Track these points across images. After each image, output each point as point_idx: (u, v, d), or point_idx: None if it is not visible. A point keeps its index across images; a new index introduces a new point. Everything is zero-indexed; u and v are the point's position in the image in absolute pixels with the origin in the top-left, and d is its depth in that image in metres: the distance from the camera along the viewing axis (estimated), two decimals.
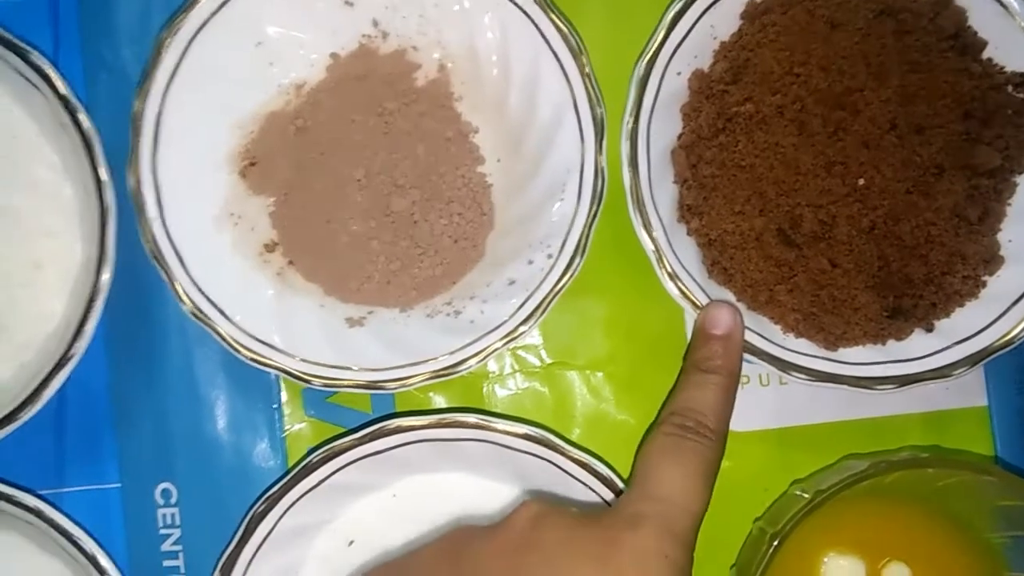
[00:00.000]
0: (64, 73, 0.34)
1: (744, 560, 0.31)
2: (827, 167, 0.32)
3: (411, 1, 0.34)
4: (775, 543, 0.29)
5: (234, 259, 0.33)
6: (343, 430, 0.34)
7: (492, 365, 0.35)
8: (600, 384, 0.35)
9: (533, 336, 0.35)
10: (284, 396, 0.35)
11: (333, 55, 0.35)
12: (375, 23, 0.34)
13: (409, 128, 0.35)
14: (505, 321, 0.31)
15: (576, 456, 0.31)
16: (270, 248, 0.34)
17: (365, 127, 0.35)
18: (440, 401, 0.35)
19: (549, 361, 0.35)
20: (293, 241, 0.34)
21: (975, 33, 0.33)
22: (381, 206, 0.34)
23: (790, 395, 0.35)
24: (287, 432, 0.35)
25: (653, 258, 0.32)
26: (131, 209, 0.32)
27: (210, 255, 0.32)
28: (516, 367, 0.35)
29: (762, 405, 0.35)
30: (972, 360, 0.31)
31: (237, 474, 0.34)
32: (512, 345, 0.31)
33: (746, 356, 0.31)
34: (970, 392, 0.35)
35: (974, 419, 0.35)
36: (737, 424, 0.35)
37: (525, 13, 0.32)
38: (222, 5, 0.32)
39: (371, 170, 0.34)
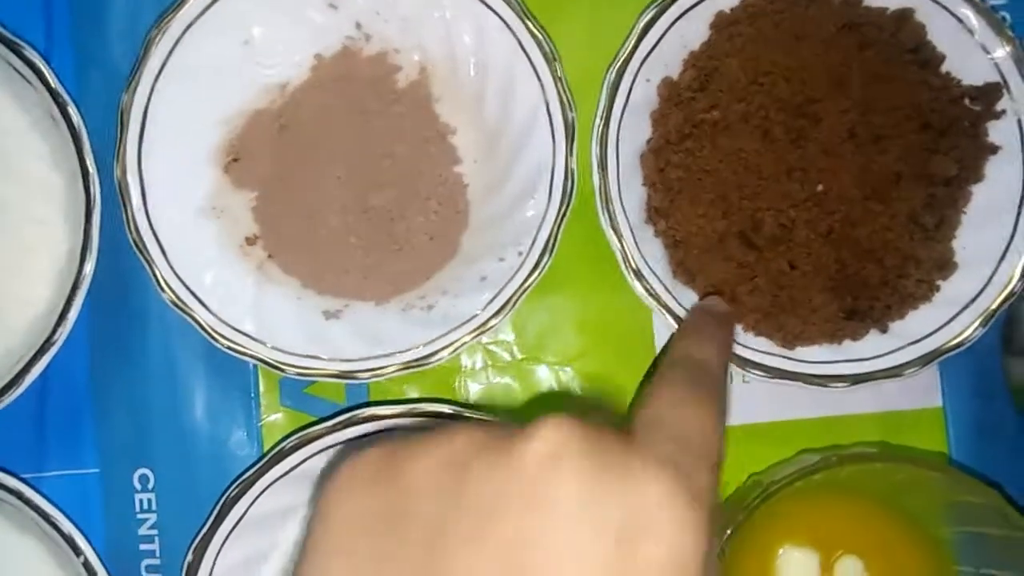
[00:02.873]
0: (56, 67, 0.35)
1: None
2: (788, 173, 0.33)
3: (393, 5, 0.35)
4: (728, 532, 0.30)
5: (216, 251, 0.34)
6: (317, 419, 0.35)
7: (464, 360, 0.36)
8: (570, 379, 0.36)
9: (505, 332, 0.36)
10: (261, 386, 0.36)
11: (317, 56, 0.36)
12: (358, 26, 0.36)
13: (389, 128, 0.36)
14: (475, 315, 0.32)
15: None
16: (251, 241, 0.35)
17: (346, 126, 0.36)
18: (413, 394, 0.36)
19: (520, 356, 0.36)
20: (273, 235, 0.35)
21: (934, 47, 0.34)
22: (360, 203, 0.35)
23: (752, 393, 0.36)
24: (263, 421, 0.36)
25: (620, 257, 0.33)
26: (117, 201, 0.33)
27: (192, 246, 0.33)
28: (488, 362, 0.36)
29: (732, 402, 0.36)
30: (923, 360, 0.33)
31: (213, 461, 0.35)
32: (482, 339, 0.32)
33: None
34: (925, 393, 0.36)
35: (929, 420, 0.36)
36: None
37: (502, 19, 0.33)
38: (210, 4, 0.33)
39: (351, 168, 0.36)
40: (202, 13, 0.33)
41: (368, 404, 0.34)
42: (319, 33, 0.35)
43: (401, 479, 0.19)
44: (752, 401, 0.36)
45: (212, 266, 0.34)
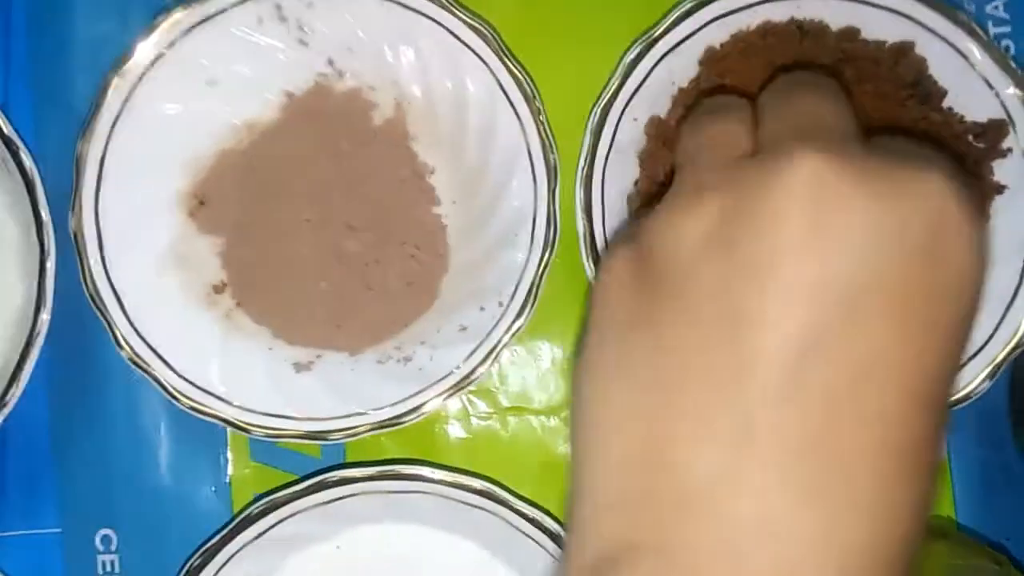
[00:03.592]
0: (13, 105, 0.34)
1: None
2: None
3: (367, 41, 0.33)
4: None
5: (180, 302, 0.32)
6: (290, 476, 0.33)
7: (452, 405, 0.35)
8: (556, 429, 0.35)
9: (487, 380, 0.34)
10: (230, 440, 0.34)
11: (287, 93, 0.34)
12: (330, 62, 0.34)
13: (363, 168, 0.34)
14: (453, 371, 0.31)
15: (524, 512, 0.30)
16: (218, 289, 0.33)
17: (318, 167, 0.34)
18: (391, 445, 0.34)
19: (505, 405, 0.35)
20: (242, 282, 0.34)
21: (935, 82, 0.33)
22: (333, 247, 0.34)
23: None
24: (232, 477, 0.34)
25: None
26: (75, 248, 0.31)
27: (154, 298, 0.32)
28: (470, 411, 0.35)
29: None
30: None
31: (179, 520, 0.33)
32: (461, 393, 0.31)
33: None
34: None
35: None
36: None
37: (479, 57, 0.32)
38: (172, 43, 0.32)
39: (323, 211, 0.34)
40: (163, 53, 0.31)
41: (340, 466, 0.32)
42: (289, 70, 0.34)
43: (663, 268, 0.19)
44: None
45: (176, 318, 0.32)
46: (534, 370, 0.35)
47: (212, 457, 0.34)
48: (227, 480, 0.34)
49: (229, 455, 0.34)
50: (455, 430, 0.34)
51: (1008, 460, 0.34)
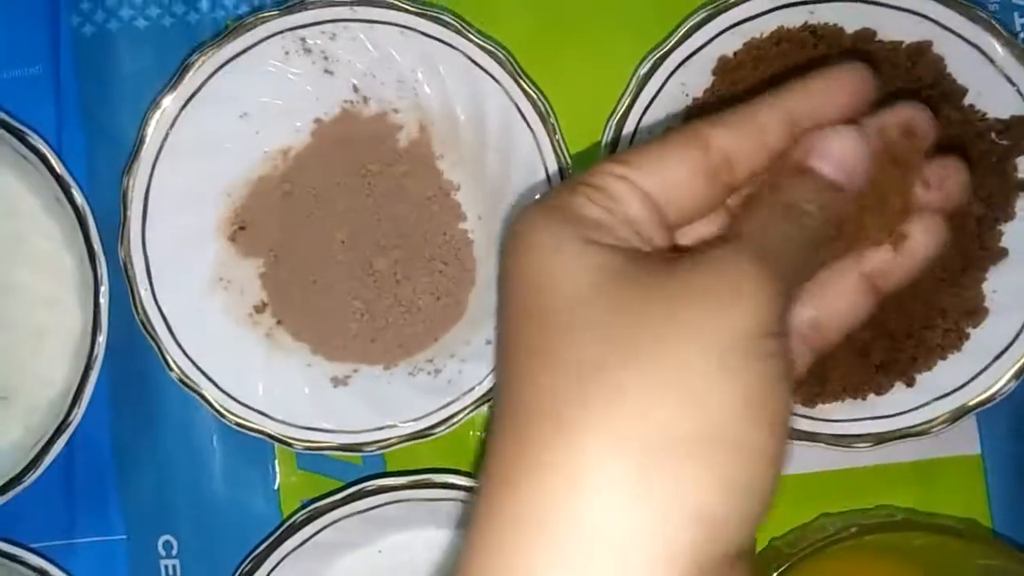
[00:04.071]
0: (66, 143, 0.36)
1: None
2: None
3: (388, 67, 0.34)
4: None
5: (224, 323, 0.34)
6: (334, 482, 0.35)
7: (484, 415, 0.36)
8: None
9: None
10: (277, 451, 0.36)
11: (317, 120, 0.36)
12: (355, 88, 0.35)
13: (391, 188, 0.36)
14: (479, 383, 0.32)
15: None
16: (259, 309, 0.35)
17: (349, 189, 0.36)
18: (428, 454, 0.36)
19: None
20: (281, 301, 0.36)
21: (954, 80, 0.32)
22: (364, 266, 0.35)
23: None
24: (280, 485, 0.36)
25: None
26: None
27: (200, 321, 0.34)
28: (483, 423, 0.36)
29: None
30: (952, 416, 0.31)
31: (233, 526, 0.36)
32: (487, 406, 0.32)
33: None
34: (962, 440, 0.34)
35: (966, 468, 0.34)
36: None
37: (495, 79, 0.33)
38: (207, 80, 0.33)
39: (354, 231, 0.35)
40: (198, 90, 0.33)
41: (380, 475, 0.33)
42: (317, 98, 0.35)
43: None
44: None
45: (220, 339, 0.34)
46: None
47: (262, 467, 0.36)
48: (276, 487, 0.36)
49: (277, 464, 0.36)
50: (477, 440, 0.36)
51: None
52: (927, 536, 0.29)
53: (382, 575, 0.34)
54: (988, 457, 0.34)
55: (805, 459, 0.34)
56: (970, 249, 0.32)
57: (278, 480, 0.36)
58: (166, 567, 0.36)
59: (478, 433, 0.36)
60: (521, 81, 0.32)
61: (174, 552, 0.36)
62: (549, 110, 0.32)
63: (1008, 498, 0.34)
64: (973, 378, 0.31)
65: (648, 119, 0.32)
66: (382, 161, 0.36)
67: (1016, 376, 0.31)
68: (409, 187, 0.36)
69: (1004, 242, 0.32)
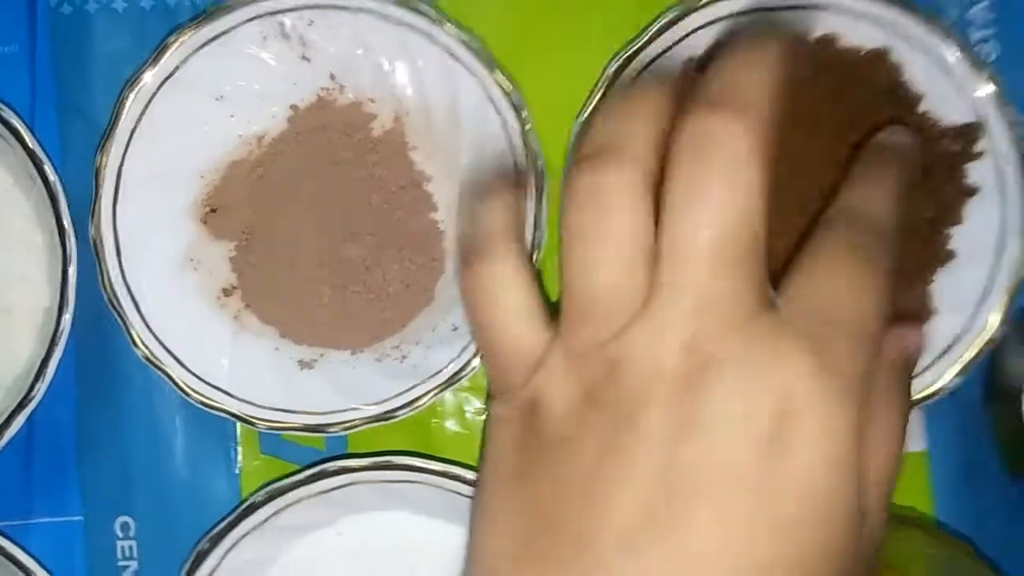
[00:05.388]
0: (40, 120, 0.36)
1: None
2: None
3: (366, 57, 0.35)
4: None
5: (192, 304, 0.35)
6: (297, 467, 0.35)
7: (448, 403, 0.36)
8: None
9: (481, 376, 0.36)
10: (240, 435, 0.36)
11: (293, 107, 0.36)
12: (332, 77, 0.36)
13: (364, 177, 0.36)
14: (444, 368, 0.33)
15: None
16: (228, 292, 0.36)
17: (322, 176, 0.36)
18: (392, 440, 0.36)
19: (486, 402, 0.36)
20: (250, 284, 0.36)
21: (910, 87, 0.34)
22: (334, 253, 0.36)
23: None
24: (242, 469, 0.36)
25: None
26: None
27: (168, 301, 0.34)
28: (465, 408, 0.36)
29: None
30: None
31: (193, 509, 0.35)
32: (451, 390, 0.32)
33: None
34: (909, 437, 0.35)
35: (911, 463, 0.35)
36: None
37: (470, 71, 0.33)
38: (184, 61, 0.34)
39: (326, 218, 0.36)
40: (174, 71, 0.34)
41: (341, 456, 0.34)
42: (294, 84, 0.36)
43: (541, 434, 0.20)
44: None
45: (188, 319, 0.34)
46: None
47: (224, 451, 0.36)
48: (238, 472, 0.36)
49: (240, 448, 0.36)
50: (451, 425, 0.36)
51: (987, 453, 0.35)
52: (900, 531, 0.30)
53: (342, 557, 0.34)
54: (933, 453, 0.35)
55: None
56: (920, 251, 0.33)
57: (240, 464, 0.36)
58: (122, 548, 0.36)
59: (441, 423, 0.36)
60: (495, 72, 0.33)
61: (131, 534, 0.36)
62: (522, 102, 0.33)
63: (952, 494, 0.35)
64: (919, 374, 0.32)
65: None
66: (356, 150, 0.36)
67: (960, 373, 0.32)
68: (381, 176, 0.36)
69: (952, 245, 0.34)
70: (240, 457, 0.36)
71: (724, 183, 0.20)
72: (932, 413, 0.35)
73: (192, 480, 0.36)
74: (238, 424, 0.36)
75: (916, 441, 0.35)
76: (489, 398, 0.23)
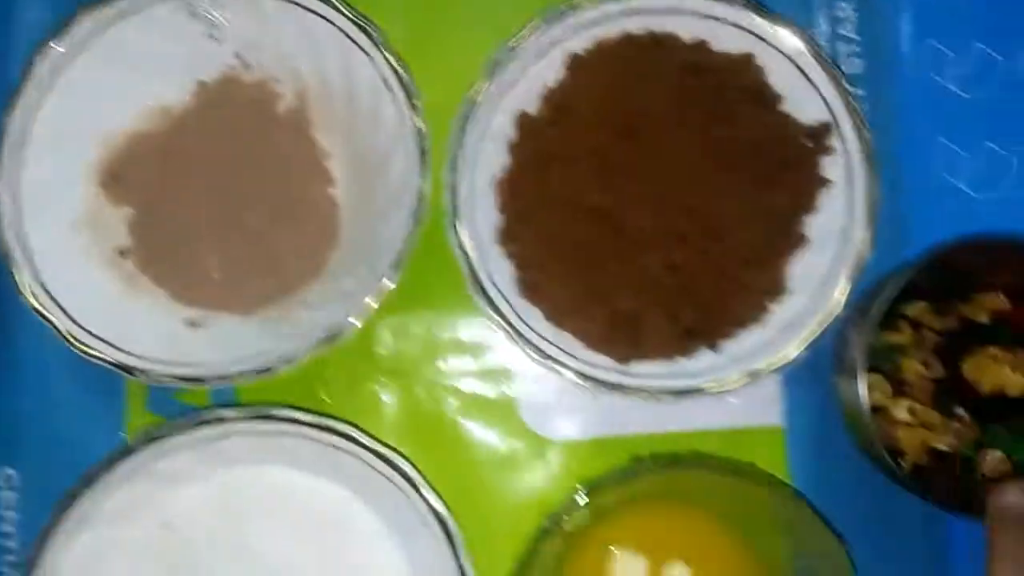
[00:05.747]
0: None
1: (523, 555, 0.34)
2: (629, 207, 0.35)
3: (269, 37, 0.37)
4: (546, 534, 0.31)
5: (86, 261, 0.36)
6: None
7: (329, 370, 0.37)
8: (427, 390, 0.38)
9: (370, 344, 0.38)
10: (127, 393, 0.37)
11: (200, 82, 0.38)
12: (237, 56, 0.38)
13: (266, 151, 0.38)
14: (328, 327, 0.34)
15: (378, 450, 0.33)
16: (124, 254, 0.37)
17: (224, 150, 0.38)
18: (277, 396, 0.37)
19: (384, 368, 0.38)
20: (146, 248, 0.37)
21: (772, 88, 0.37)
22: (232, 221, 0.37)
23: (607, 408, 0.37)
24: (128, 425, 0.37)
25: (467, 275, 0.35)
26: None
27: (62, 256, 0.35)
28: (351, 372, 0.38)
29: (581, 416, 0.38)
30: (746, 378, 0.34)
31: (77, 463, 0.36)
32: (331, 347, 0.34)
33: (553, 367, 0.34)
34: (767, 412, 0.37)
35: (769, 438, 0.37)
36: (551, 432, 0.37)
37: (367, 54, 0.35)
38: (95, 32, 0.35)
39: (224, 187, 0.38)
40: (85, 41, 0.35)
41: (218, 406, 0.35)
42: (201, 61, 0.38)
43: None
44: (597, 416, 0.37)
45: (80, 275, 0.35)
46: (406, 338, 0.38)
47: (111, 407, 0.37)
48: (123, 428, 0.37)
49: (126, 404, 0.37)
50: (337, 390, 0.38)
51: (839, 429, 0.37)
52: (713, 478, 0.32)
53: (223, 510, 0.35)
54: (789, 429, 0.37)
55: (621, 421, 0.37)
56: (777, 237, 0.36)
57: (126, 420, 0.37)
58: (5, 499, 0.36)
59: (329, 388, 0.37)
60: (388, 55, 0.35)
61: (14, 484, 0.36)
62: (413, 84, 0.35)
63: (806, 467, 0.37)
64: (767, 346, 0.34)
65: (504, 102, 0.36)
66: (259, 126, 0.38)
67: (804, 346, 0.34)
68: (283, 151, 0.38)
69: (806, 231, 0.36)
70: (127, 414, 0.37)
71: None
72: (788, 391, 0.37)
73: (77, 435, 0.37)
74: (126, 383, 0.37)
75: (773, 416, 0.37)
76: None
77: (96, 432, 0.37)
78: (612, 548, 0.35)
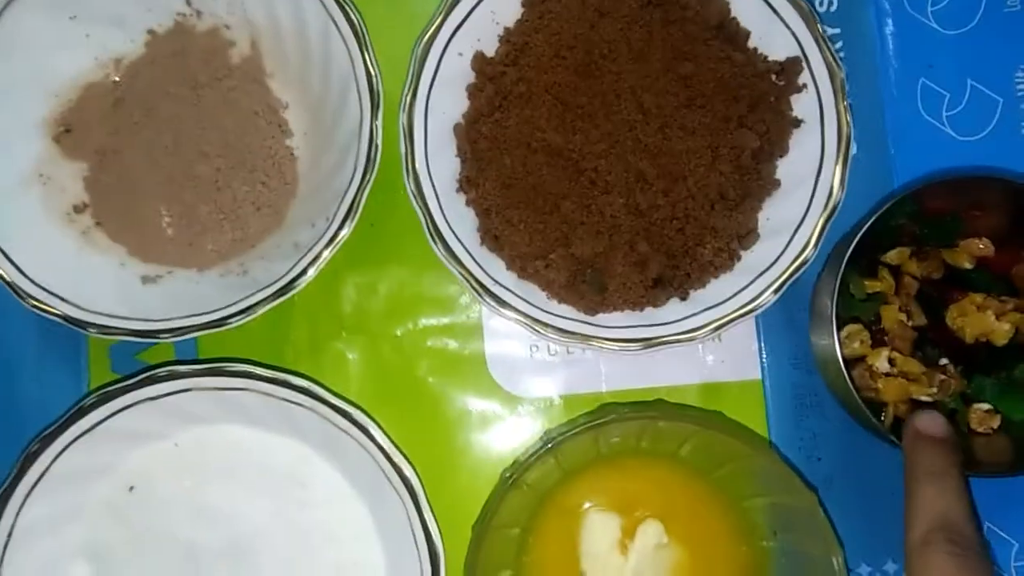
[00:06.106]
0: None
1: (484, 504, 0.33)
2: (589, 147, 0.34)
3: None
4: (508, 481, 0.30)
5: (39, 216, 0.35)
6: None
7: (293, 327, 0.37)
8: (394, 347, 0.37)
9: (331, 302, 0.37)
10: (91, 354, 0.36)
11: (150, 31, 0.37)
12: (187, 2, 0.37)
13: (220, 101, 0.37)
14: (279, 279, 0.33)
15: (336, 404, 0.32)
16: (79, 209, 0.36)
17: (178, 99, 0.37)
18: (240, 351, 0.36)
19: (345, 324, 0.37)
20: (103, 203, 0.36)
21: (738, 23, 0.35)
22: (186, 172, 0.36)
23: (578, 364, 0.36)
24: (91, 387, 0.36)
25: (424, 224, 0.34)
26: None
27: (14, 212, 0.34)
28: (315, 331, 0.37)
29: (551, 373, 0.37)
30: (714, 326, 0.33)
31: (41, 424, 0.36)
32: (282, 300, 0.33)
33: (520, 320, 0.33)
34: (746, 366, 0.37)
35: (749, 392, 0.36)
36: (522, 390, 0.37)
37: None
38: None
39: (179, 139, 0.36)
40: None
41: (171, 363, 0.34)
42: (151, 9, 0.36)
43: None
44: (570, 373, 0.37)
45: (33, 231, 0.34)
46: (368, 292, 0.37)
47: (74, 368, 0.36)
48: (86, 389, 0.36)
49: (91, 368, 0.36)
50: (301, 347, 0.37)
51: (814, 383, 0.36)
52: (698, 431, 0.31)
53: (178, 468, 0.34)
54: (768, 383, 0.37)
55: (595, 378, 0.36)
56: (748, 181, 0.35)
57: (89, 382, 0.36)
58: None
59: (293, 348, 0.37)
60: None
61: None
62: (363, 26, 0.34)
63: (785, 420, 0.36)
64: (737, 293, 0.33)
65: (458, 41, 0.34)
66: (213, 75, 0.37)
67: (775, 291, 0.33)
68: (238, 101, 0.37)
69: (778, 174, 0.35)
70: (90, 376, 0.36)
71: None
72: (766, 344, 0.36)
73: (40, 396, 0.36)
74: (89, 344, 0.36)
75: (751, 371, 0.36)
76: None
77: (59, 394, 0.36)
78: (584, 507, 0.34)
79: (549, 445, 0.31)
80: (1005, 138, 0.38)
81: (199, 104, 0.37)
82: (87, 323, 0.33)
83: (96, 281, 0.34)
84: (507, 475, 0.32)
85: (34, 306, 0.33)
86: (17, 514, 0.32)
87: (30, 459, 0.32)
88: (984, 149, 0.38)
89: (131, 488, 0.34)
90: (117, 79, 0.37)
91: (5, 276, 0.33)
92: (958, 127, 0.38)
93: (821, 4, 0.38)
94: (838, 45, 0.38)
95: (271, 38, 0.37)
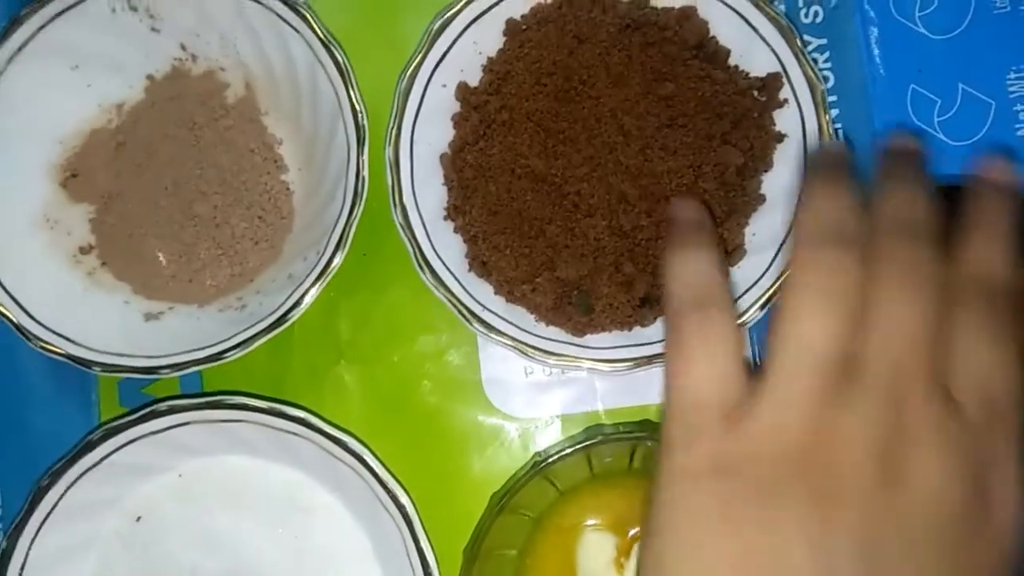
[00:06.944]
0: None
1: (476, 527, 0.33)
2: (572, 172, 0.34)
3: (209, 26, 0.37)
4: (498, 505, 0.31)
5: (46, 260, 0.36)
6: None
7: (292, 358, 0.37)
8: (390, 374, 0.38)
9: (328, 331, 0.38)
10: (100, 389, 0.38)
11: (149, 77, 0.38)
12: (183, 47, 0.38)
13: (217, 140, 0.38)
14: (275, 311, 0.34)
15: (331, 434, 0.33)
16: (85, 251, 0.38)
17: (177, 141, 0.38)
18: (243, 384, 0.37)
19: (342, 352, 0.38)
20: (108, 244, 0.38)
21: (717, 42, 0.35)
22: (186, 212, 0.38)
23: (573, 384, 0.37)
24: (101, 421, 0.37)
25: (411, 252, 0.34)
26: None
27: (21, 255, 0.36)
28: (314, 360, 0.38)
29: (547, 393, 0.37)
30: None
31: (51, 462, 0.37)
32: (277, 332, 0.34)
33: (509, 344, 0.34)
34: None
35: None
36: (517, 412, 0.37)
37: (302, 37, 0.35)
38: (36, 32, 0.36)
39: (179, 179, 0.38)
40: (28, 42, 0.36)
41: (172, 397, 0.35)
42: (148, 56, 0.38)
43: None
44: (564, 393, 0.37)
45: (40, 274, 0.36)
46: (360, 320, 0.38)
47: (84, 405, 0.38)
48: (98, 422, 0.38)
49: (100, 403, 0.38)
50: (301, 376, 0.38)
51: None
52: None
53: (184, 498, 0.35)
54: None
55: (589, 398, 0.37)
56: (733, 197, 0.35)
57: (98, 416, 0.38)
58: None
59: (292, 375, 0.37)
60: (322, 34, 0.35)
61: None
62: (347, 63, 0.35)
63: None
64: None
65: (442, 73, 0.35)
66: (210, 116, 0.38)
67: (761, 307, 0.33)
68: (234, 140, 0.38)
69: (763, 189, 0.35)
70: (100, 411, 0.38)
71: None
72: (760, 359, 0.36)
73: (51, 431, 0.37)
74: (99, 380, 0.38)
75: None
76: (664, 450, 0.23)
77: (70, 429, 0.37)
78: (579, 527, 0.34)
79: (540, 467, 0.31)
80: (999, 142, 0.38)
81: (198, 144, 0.38)
82: (92, 362, 0.34)
83: (101, 320, 0.36)
84: (497, 499, 0.32)
85: (41, 347, 0.34)
86: (30, 546, 0.33)
87: (41, 493, 0.33)
88: (978, 154, 0.38)
89: (138, 518, 0.35)
90: (119, 124, 0.38)
91: (12, 318, 0.34)
92: (951, 132, 0.38)
93: (807, 16, 0.39)
94: (825, 56, 0.38)
95: (264, 78, 0.38)
